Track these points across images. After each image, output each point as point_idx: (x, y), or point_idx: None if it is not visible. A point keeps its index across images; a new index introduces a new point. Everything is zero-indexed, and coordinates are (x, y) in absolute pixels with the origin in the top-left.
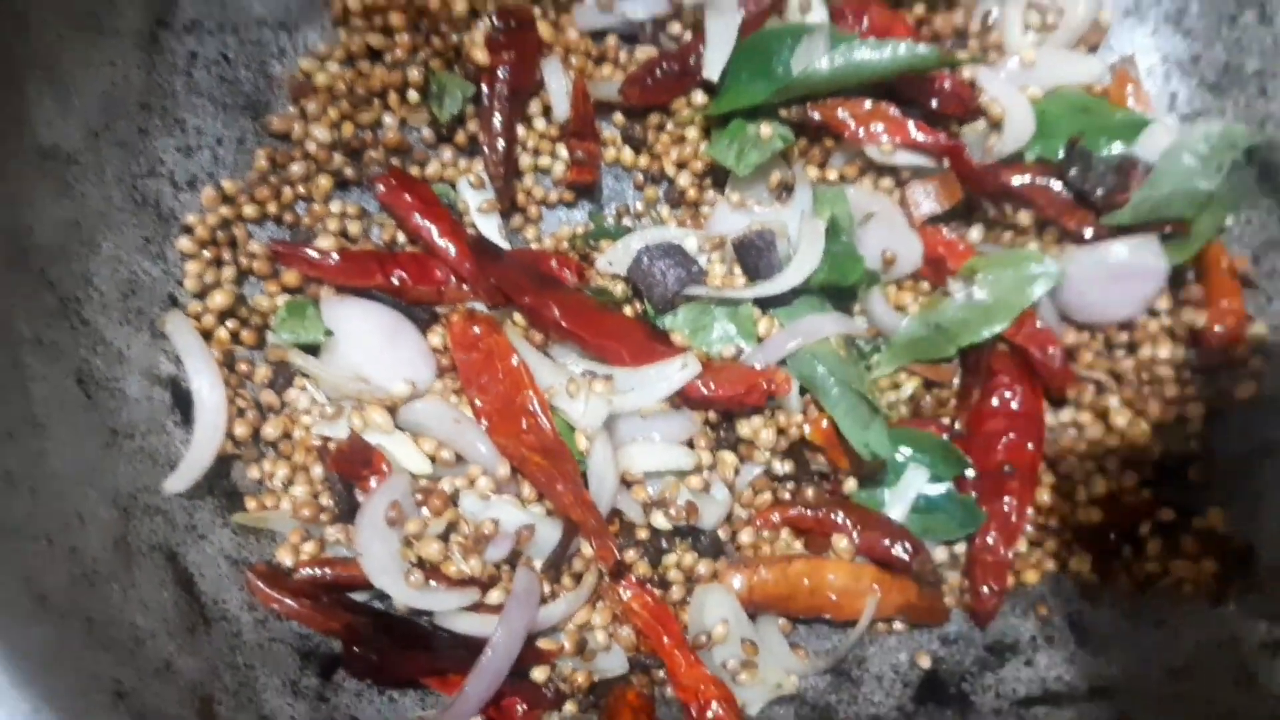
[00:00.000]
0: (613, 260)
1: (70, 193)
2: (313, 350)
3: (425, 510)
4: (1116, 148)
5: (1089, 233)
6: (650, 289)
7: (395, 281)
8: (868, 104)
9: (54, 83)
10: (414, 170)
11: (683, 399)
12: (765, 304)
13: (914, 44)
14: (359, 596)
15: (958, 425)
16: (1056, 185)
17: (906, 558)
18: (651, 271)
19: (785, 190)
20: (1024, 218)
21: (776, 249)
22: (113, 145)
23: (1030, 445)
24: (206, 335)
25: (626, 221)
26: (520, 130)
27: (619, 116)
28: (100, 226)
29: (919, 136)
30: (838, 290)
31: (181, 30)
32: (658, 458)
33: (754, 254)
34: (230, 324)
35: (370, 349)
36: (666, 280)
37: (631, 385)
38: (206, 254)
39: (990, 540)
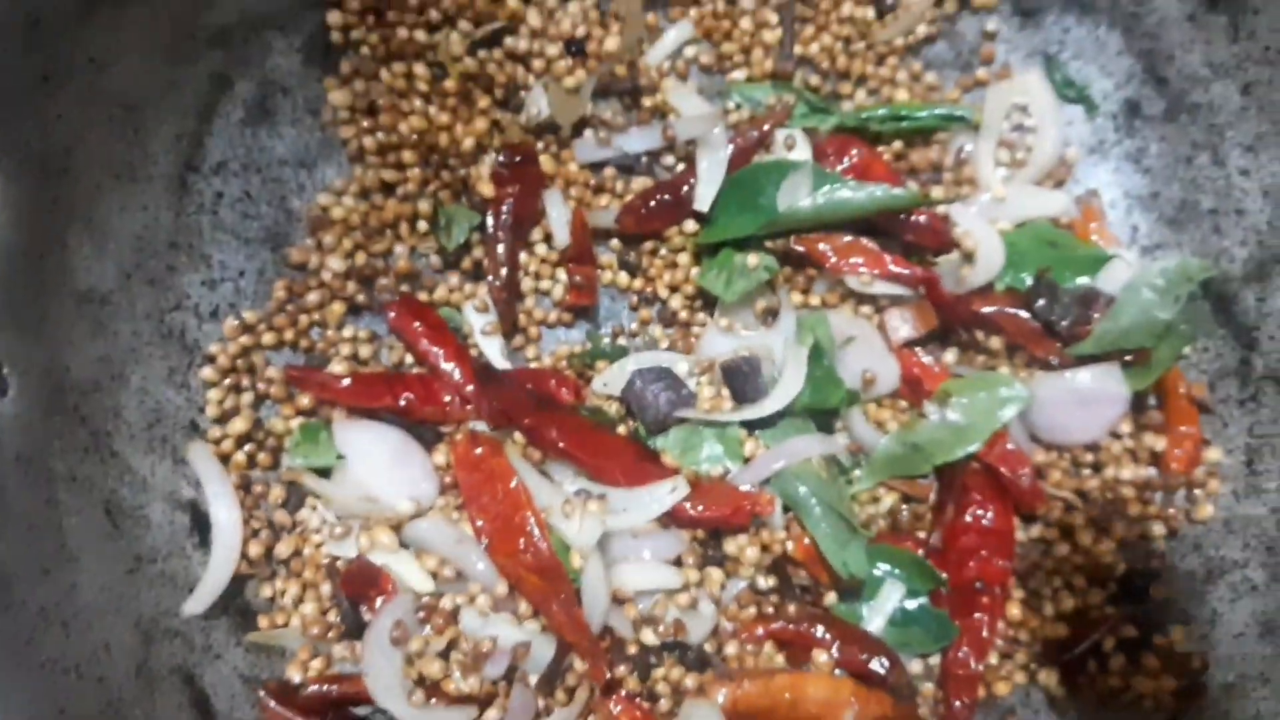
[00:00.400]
0: (608, 382)
1: (104, 331)
2: (325, 471)
3: (428, 628)
4: (1081, 280)
5: (1055, 360)
6: (643, 411)
7: (403, 403)
8: (847, 238)
9: (92, 230)
10: (422, 295)
11: (672, 519)
12: (751, 425)
13: (890, 187)
14: (364, 712)
15: (934, 539)
16: (1025, 314)
17: (883, 672)
18: (644, 394)
19: (771, 315)
20: (995, 342)
21: (762, 373)
22: (143, 283)
23: (1001, 562)
24: (225, 459)
25: (622, 341)
26: (522, 256)
27: (616, 242)
28: (129, 361)
29: (896, 269)
30: (820, 410)
31: (209, 172)
32: (648, 577)
33: (740, 378)
34: (247, 448)
35: (378, 469)
36: (658, 403)
37: (624, 505)
38: (227, 382)
39: (963, 654)
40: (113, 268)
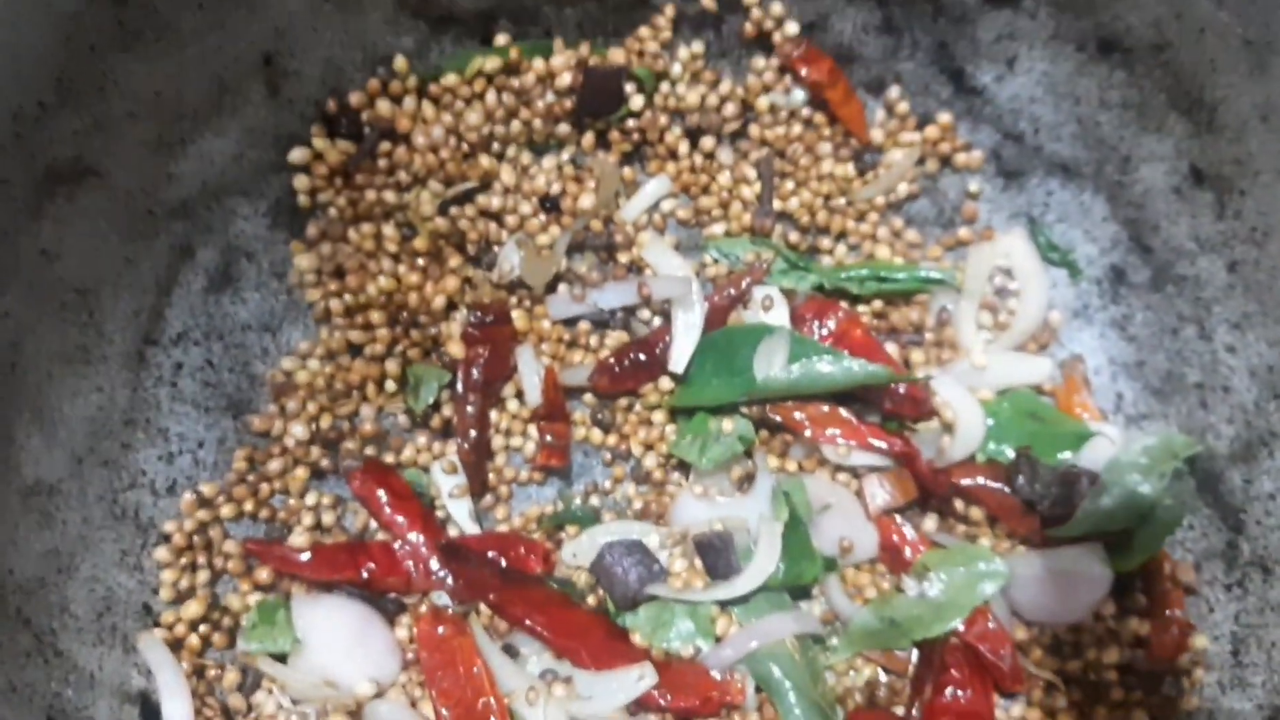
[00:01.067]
0: (577, 553)
1: (52, 523)
2: (281, 655)
3: None
4: (1063, 455)
5: (1036, 538)
6: (612, 587)
7: (365, 574)
8: (825, 407)
9: (42, 420)
10: (389, 456)
11: (640, 707)
12: (724, 600)
13: (868, 363)
14: None
15: (914, 715)
16: (1006, 489)
17: None
18: (614, 570)
19: (747, 480)
20: (975, 513)
21: (735, 549)
22: (96, 466)
23: None
24: (178, 643)
25: (595, 499)
26: (493, 413)
27: (589, 398)
28: (79, 550)
29: (873, 441)
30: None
31: (168, 344)
32: None
33: (713, 554)
34: (202, 629)
35: (338, 649)
36: (628, 579)
37: (591, 692)
38: (183, 560)
39: None
40: (63, 456)
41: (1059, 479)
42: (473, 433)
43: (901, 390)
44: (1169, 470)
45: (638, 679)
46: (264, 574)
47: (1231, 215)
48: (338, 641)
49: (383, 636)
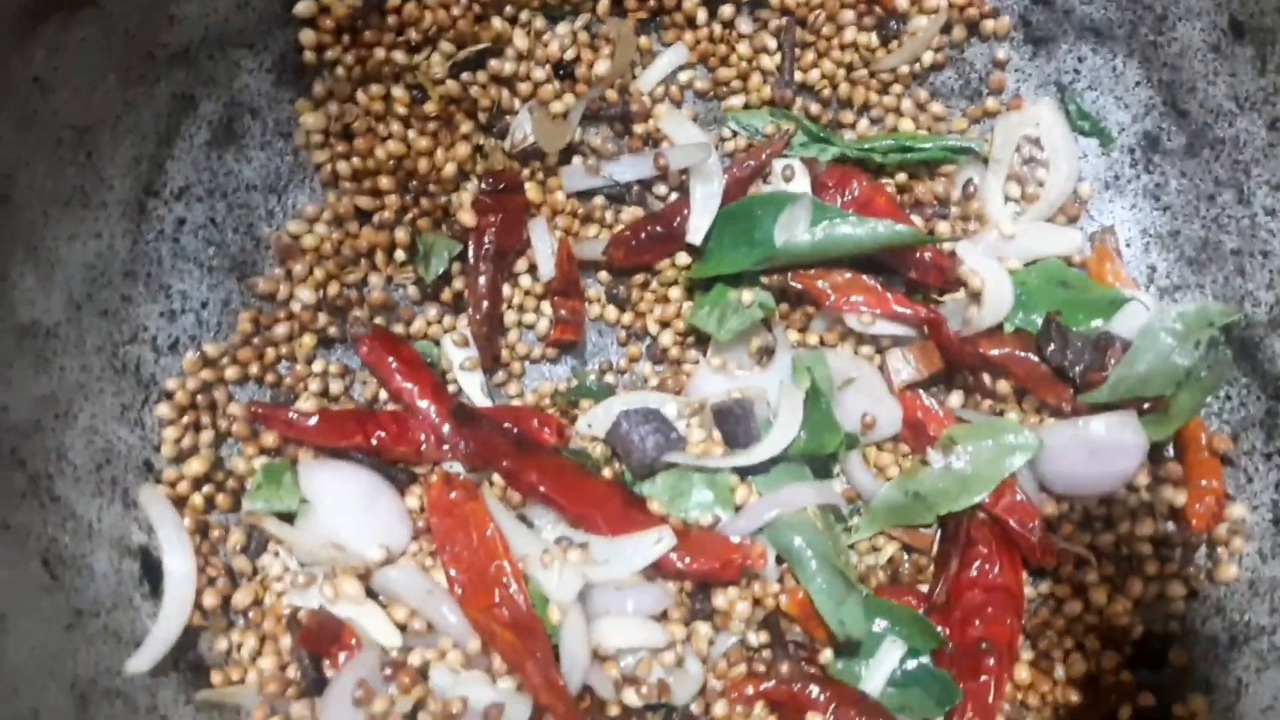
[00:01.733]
0: (592, 423)
1: (48, 367)
2: (288, 515)
3: (393, 686)
4: (1095, 323)
5: (1067, 407)
6: (629, 455)
7: (375, 442)
8: (847, 275)
9: (37, 260)
10: (398, 328)
11: (658, 571)
12: (744, 470)
13: (893, 223)
14: None
15: (937, 594)
16: (1035, 358)
17: None
18: (630, 437)
19: (766, 354)
20: (1003, 386)
21: (755, 416)
22: (94, 315)
23: (1009, 620)
24: (181, 502)
25: (609, 378)
26: (506, 288)
27: (604, 274)
28: (77, 398)
29: (898, 309)
30: (816, 456)
31: (170, 197)
32: (631, 633)
33: (732, 421)
34: (205, 489)
35: (346, 514)
36: (645, 446)
37: (607, 556)
38: (185, 419)
39: (967, 719)
40: (60, 299)
41: (1091, 345)
42: (485, 304)
43: (926, 258)
44: (1205, 339)
45: (655, 541)
46: (269, 438)
47: (1273, 69)
48: (346, 505)
49: (392, 504)
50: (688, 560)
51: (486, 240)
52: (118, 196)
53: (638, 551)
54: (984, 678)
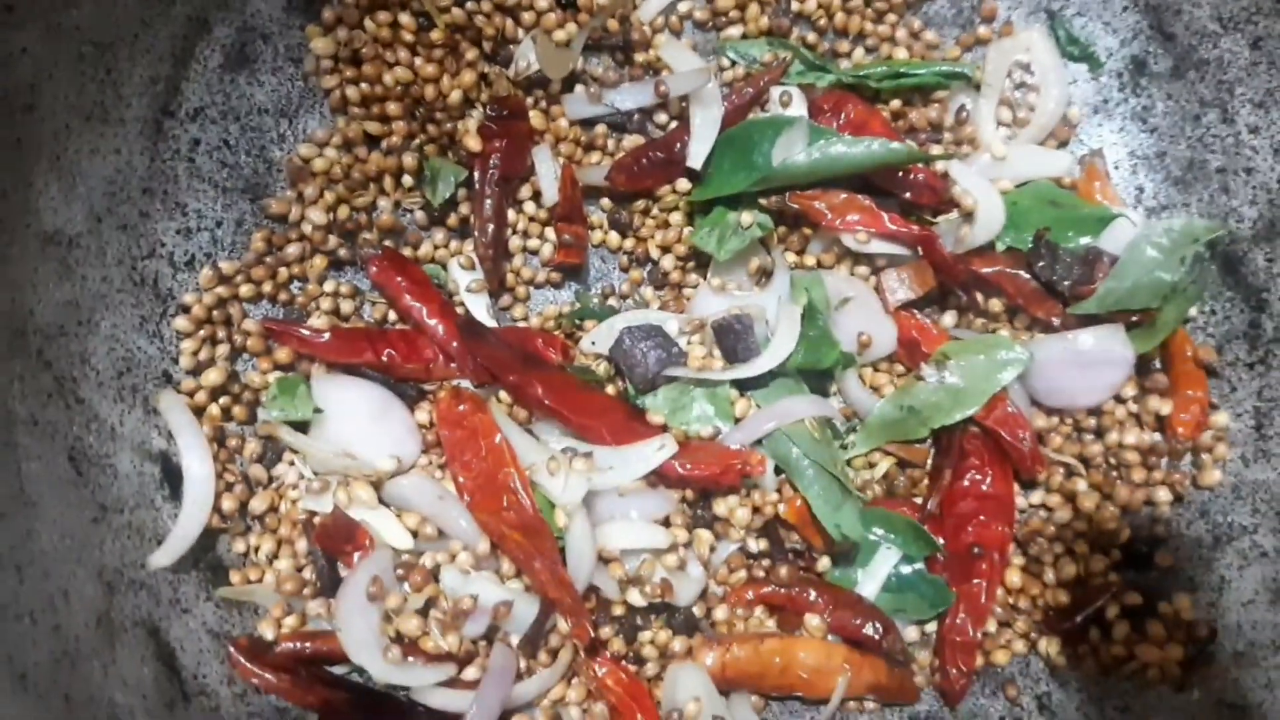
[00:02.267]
0: (596, 340)
1: (71, 275)
2: (302, 426)
3: (406, 585)
4: (1084, 240)
5: (1057, 321)
6: (631, 369)
7: (385, 359)
8: (843, 195)
9: (60, 170)
10: (406, 251)
11: (660, 478)
12: (743, 385)
13: (888, 141)
14: (339, 670)
15: (930, 505)
16: (1026, 275)
17: (877, 637)
18: (633, 352)
19: (764, 275)
20: (995, 305)
21: (754, 332)
22: (114, 229)
23: (1000, 527)
24: (199, 411)
25: (612, 302)
26: (510, 213)
27: (606, 201)
28: (99, 307)
29: (893, 227)
30: (814, 372)
31: (185, 118)
32: (635, 536)
33: (732, 337)
34: (222, 400)
35: (358, 425)
36: (647, 361)
37: (611, 464)
38: (202, 332)
39: (960, 620)
40: (82, 210)
41: (1080, 259)
42: (490, 228)
43: (920, 179)
44: (1190, 254)
45: (658, 448)
46: (283, 354)
47: None
48: (358, 417)
49: (402, 417)
50: (688, 467)
51: (491, 166)
52: (136, 114)
53: (640, 458)
54: (976, 580)
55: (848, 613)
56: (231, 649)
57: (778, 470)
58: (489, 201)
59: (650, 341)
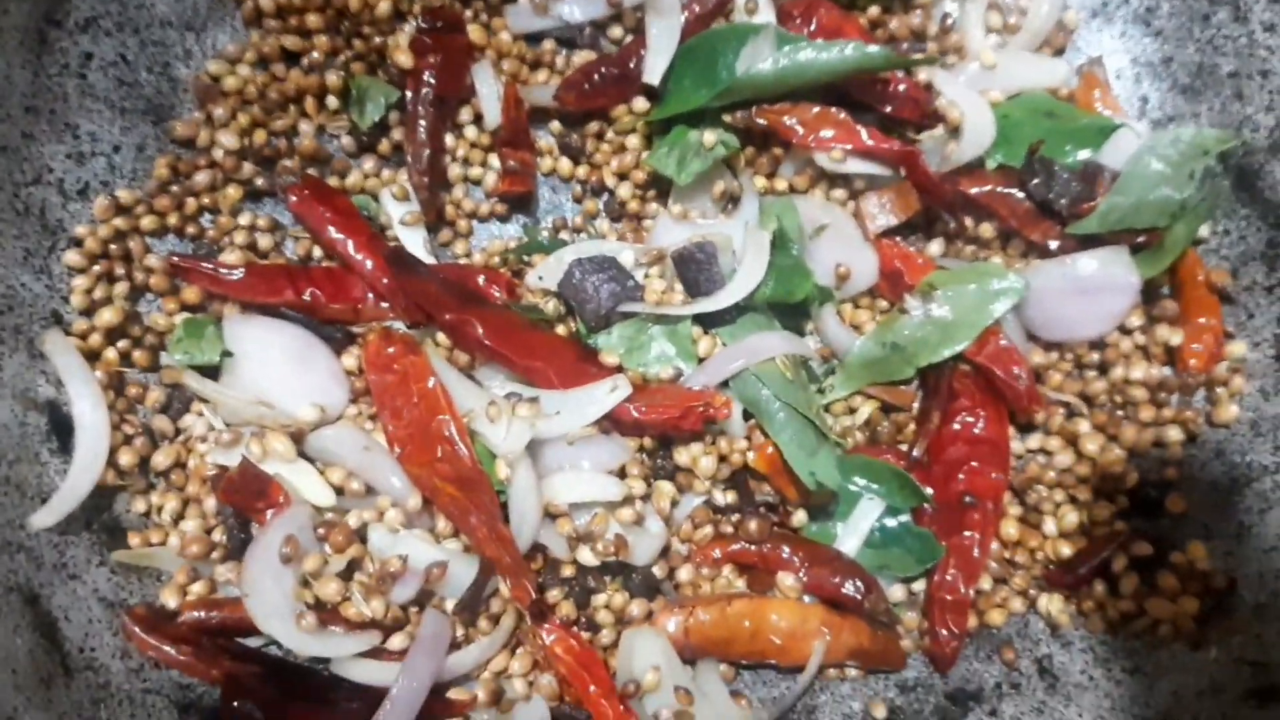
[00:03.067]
0: (543, 275)
1: None
2: (213, 373)
3: (326, 546)
4: (1082, 154)
5: (1055, 245)
6: (583, 305)
7: (307, 298)
8: (816, 109)
9: None
10: (332, 180)
11: (613, 423)
12: (707, 322)
13: (863, 44)
14: (253, 644)
15: (916, 452)
16: (1019, 194)
17: (858, 596)
18: (584, 286)
19: (731, 201)
20: (986, 230)
21: (719, 263)
22: None
23: (994, 474)
24: (93, 356)
25: (564, 236)
26: (449, 139)
27: (556, 125)
28: None
29: (871, 143)
30: (786, 307)
31: (75, 29)
32: (585, 488)
33: (694, 268)
34: (121, 344)
35: (276, 371)
36: (600, 296)
37: (558, 409)
38: (96, 268)
39: (950, 577)
40: None
41: (1079, 175)
42: (425, 154)
43: (901, 90)
44: (1200, 168)
45: (610, 390)
46: (191, 294)
47: None
48: (275, 361)
49: (327, 362)
50: (645, 410)
51: (426, 84)
52: (14, 22)
53: (591, 401)
54: (968, 533)
55: (825, 570)
56: (126, 619)
57: (746, 415)
58: (424, 124)
59: (603, 274)
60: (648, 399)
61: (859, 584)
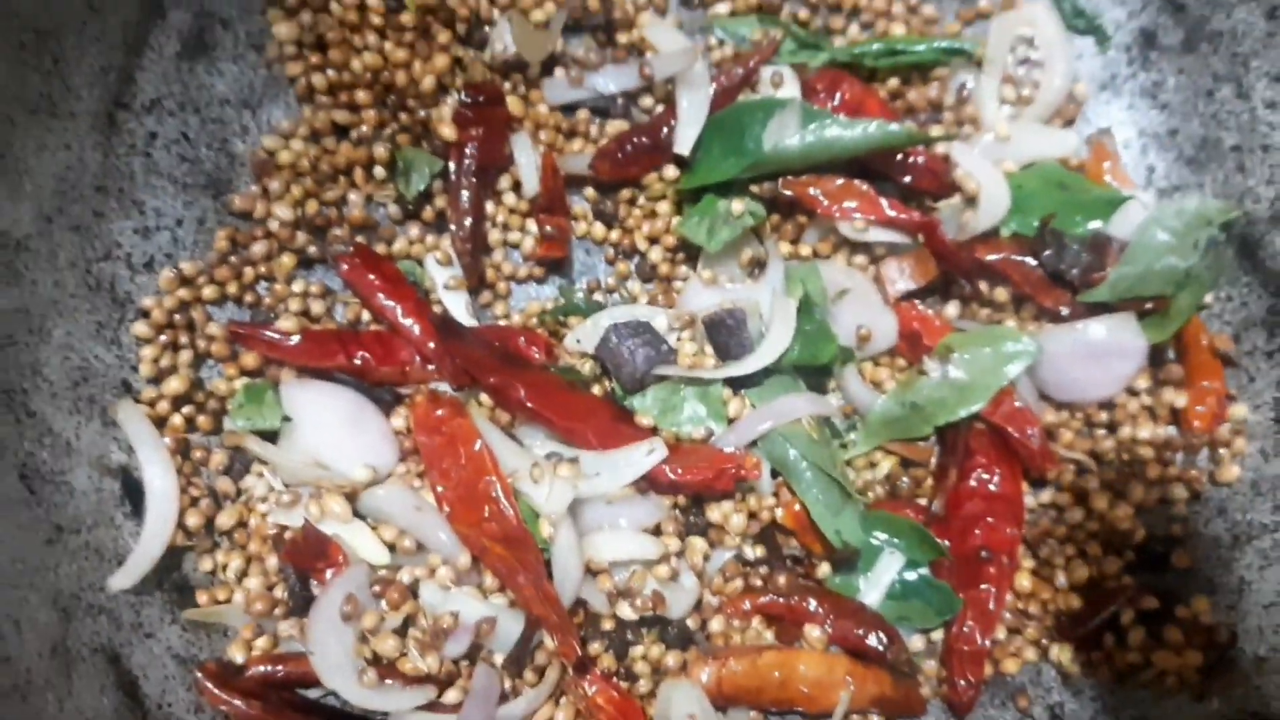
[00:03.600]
0: (581, 338)
1: (20, 280)
2: (271, 436)
3: (382, 603)
4: (1092, 224)
5: (1066, 310)
6: (619, 369)
7: (358, 362)
8: (839, 181)
9: (4, 168)
10: (380, 247)
11: (650, 484)
12: (736, 384)
13: (885, 122)
14: (313, 694)
15: (935, 507)
16: (1032, 262)
17: (881, 648)
18: (620, 350)
19: (758, 267)
20: (1001, 294)
21: (748, 328)
22: (66, 230)
23: (1009, 529)
24: (161, 422)
25: (598, 297)
26: (489, 206)
27: (590, 191)
28: (51, 314)
29: (892, 213)
30: (811, 369)
31: (141, 110)
32: (624, 546)
33: (724, 333)
34: (185, 410)
35: (330, 434)
36: (635, 360)
37: (598, 469)
38: (163, 338)
39: (967, 629)
40: (30, 211)
41: (1088, 245)
42: (468, 221)
43: (920, 162)
44: (1204, 238)
45: (647, 453)
46: (250, 359)
47: None
48: (329, 424)
49: (377, 424)
50: (679, 471)
51: (468, 155)
52: (86, 107)
53: (629, 463)
54: (984, 586)
55: (850, 622)
56: (199, 674)
57: (774, 473)
58: (466, 193)
59: (638, 339)
60: (682, 460)
61: (882, 636)
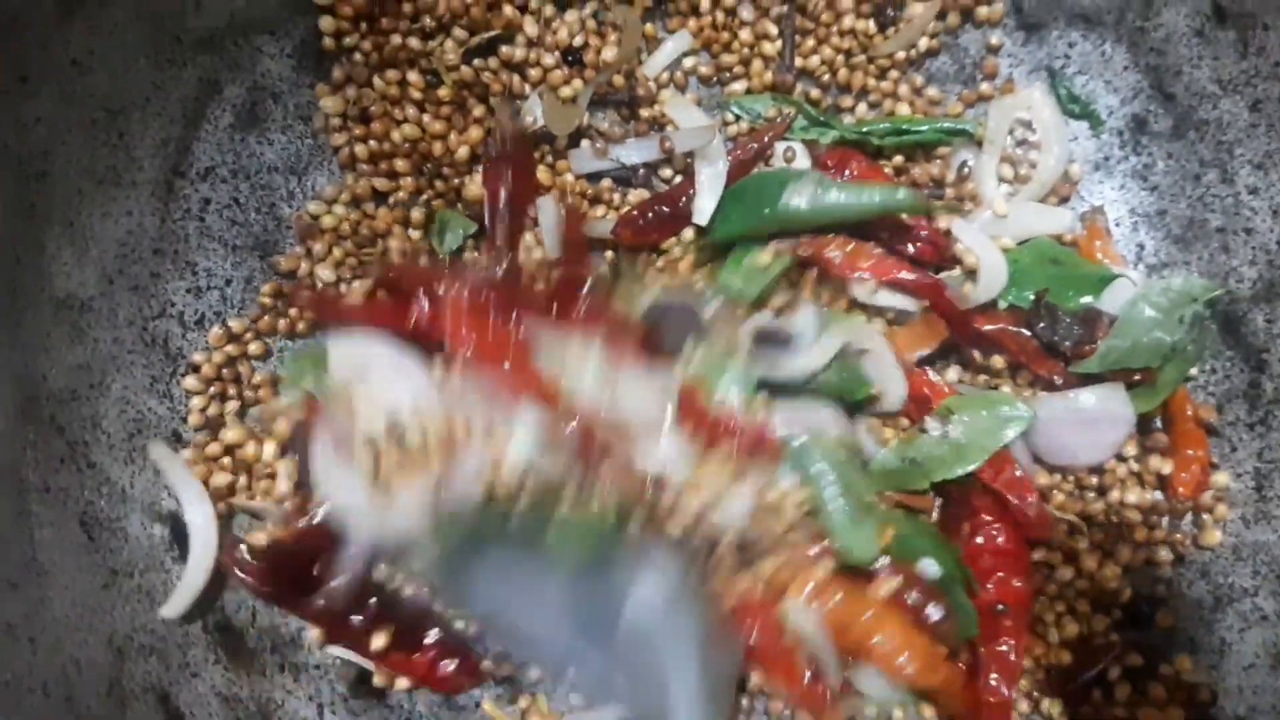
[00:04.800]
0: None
1: (83, 338)
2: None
3: None
4: (1084, 300)
5: (1059, 380)
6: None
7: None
8: (851, 244)
9: (72, 235)
10: None
11: None
12: (773, 392)
13: (890, 187)
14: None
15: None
16: (1027, 333)
17: (938, 619)
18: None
19: (790, 309)
20: (997, 361)
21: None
22: (126, 290)
23: (1018, 582)
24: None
25: None
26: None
27: (611, 255)
28: (110, 369)
29: (900, 275)
30: (844, 400)
31: (196, 178)
32: None
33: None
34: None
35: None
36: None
37: None
38: (211, 390)
39: (994, 681)
40: (94, 273)
41: (1080, 319)
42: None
43: (923, 234)
44: (1189, 314)
45: None
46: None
47: (1254, 52)
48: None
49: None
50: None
51: (501, 199)
52: (147, 176)
53: None
54: (1004, 639)
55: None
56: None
57: None
58: (501, 226)
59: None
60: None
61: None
